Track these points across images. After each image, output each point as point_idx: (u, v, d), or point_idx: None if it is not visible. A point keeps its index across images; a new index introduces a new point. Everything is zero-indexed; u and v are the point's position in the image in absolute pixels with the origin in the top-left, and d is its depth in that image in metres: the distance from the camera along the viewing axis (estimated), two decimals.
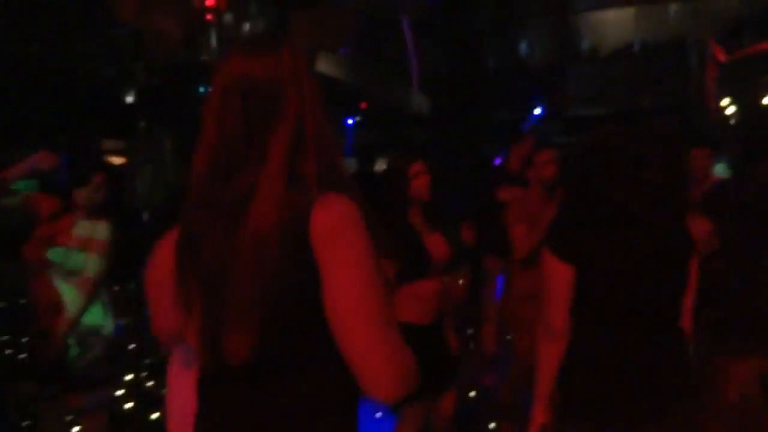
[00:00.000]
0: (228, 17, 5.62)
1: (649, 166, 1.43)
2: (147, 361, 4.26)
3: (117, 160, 10.29)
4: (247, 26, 5.74)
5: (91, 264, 2.54)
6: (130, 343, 4.49)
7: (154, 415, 3.41)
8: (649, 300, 1.48)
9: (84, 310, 2.54)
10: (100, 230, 2.58)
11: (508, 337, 3.16)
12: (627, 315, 1.48)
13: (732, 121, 8.88)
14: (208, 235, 0.98)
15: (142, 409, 3.52)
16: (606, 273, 1.47)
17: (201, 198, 1.00)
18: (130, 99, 7.95)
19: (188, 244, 1.02)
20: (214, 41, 5.79)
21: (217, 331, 0.96)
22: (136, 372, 4.06)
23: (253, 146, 0.97)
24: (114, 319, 2.70)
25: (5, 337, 4.69)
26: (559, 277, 1.50)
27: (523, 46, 13.60)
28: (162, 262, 1.35)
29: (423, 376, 0.96)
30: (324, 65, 6.62)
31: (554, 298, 1.52)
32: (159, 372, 4.03)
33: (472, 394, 3.67)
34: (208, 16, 5.43)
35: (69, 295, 2.52)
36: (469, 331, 4.42)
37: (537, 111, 11.37)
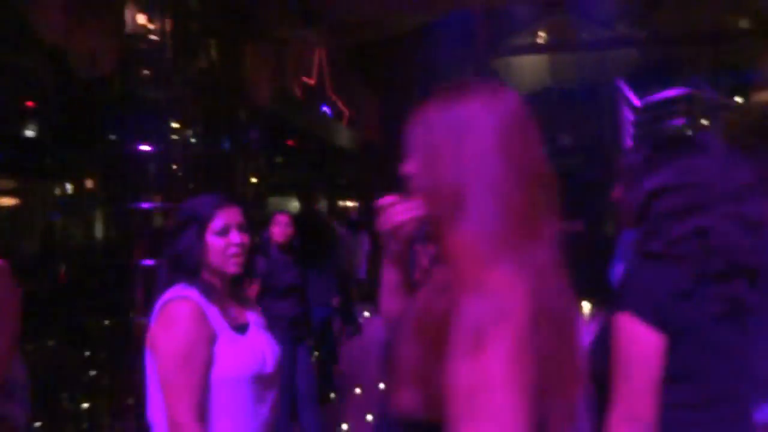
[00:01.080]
0: (168, 47, 5.00)
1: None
2: None
3: (7, 202, 8.99)
4: (193, 59, 5.16)
5: None
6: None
7: None
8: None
9: None
10: None
11: None
12: (734, 397, 1.26)
13: None
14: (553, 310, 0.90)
15: None
16: (713, 344, 1.23)
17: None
18: (30, 133, 6.97)
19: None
20: (149, 73, 5.13)
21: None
22: None
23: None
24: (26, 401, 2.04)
25: None
26: (646, 349, 1.18)
27: None
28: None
29: None
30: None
31: (639, 377, 1.19)
32: None
33: None
34: (147, 45, 4.80)
35: None
36: None
37: None
